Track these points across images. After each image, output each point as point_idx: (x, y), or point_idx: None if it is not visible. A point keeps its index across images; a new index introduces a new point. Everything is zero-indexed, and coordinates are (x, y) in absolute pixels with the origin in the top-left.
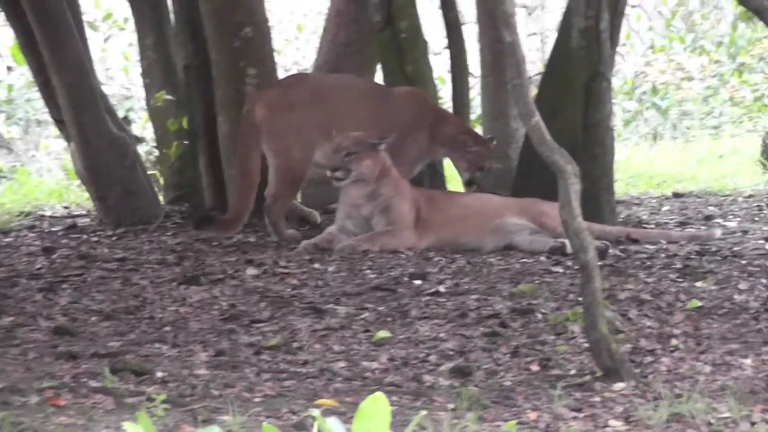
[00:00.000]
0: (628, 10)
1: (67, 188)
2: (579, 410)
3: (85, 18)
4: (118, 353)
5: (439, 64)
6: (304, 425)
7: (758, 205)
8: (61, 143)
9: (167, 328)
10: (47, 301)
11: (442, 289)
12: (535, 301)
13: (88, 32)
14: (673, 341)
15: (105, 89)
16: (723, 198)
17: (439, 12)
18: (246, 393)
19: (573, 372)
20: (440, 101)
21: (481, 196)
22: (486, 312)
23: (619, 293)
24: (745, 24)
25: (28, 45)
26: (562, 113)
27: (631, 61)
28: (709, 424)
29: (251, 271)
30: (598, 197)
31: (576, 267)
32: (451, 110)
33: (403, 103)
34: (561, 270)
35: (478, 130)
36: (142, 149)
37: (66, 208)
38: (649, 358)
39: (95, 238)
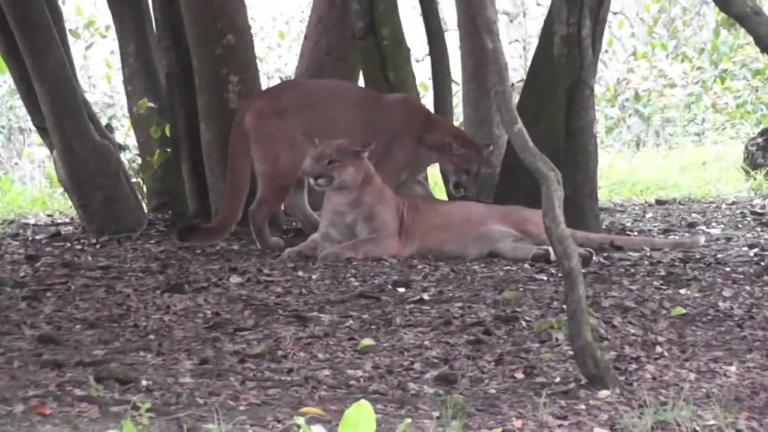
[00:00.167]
0: (610, 17)
1: (50, 196)
2: (564, 418)
3: (67, 25)
4: (102, 361)
5: (422, 71)
6: None
7: (741, 212)
8: (44, 151)
9: (151, 337)
10: (31, 309)
11: (426, 296)
12: (519, 308)
13: (70, 40)
14: (658, 348)
15: (88, 97)
16: (706, 205)
17: (421, 19)
18: (231, 401)
19: (558, 379)
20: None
21: (464, 204)
22: (470, 320)
23: (603, 300)
24: (727, 31)
25: (10, 52)
26: (545, 120)
27: (613, 68)
28: (695, 431)
29: (235, 279)
30: (581, 204)
31: (560, 274)
32: None
33: (394, 109)
34: (545, 277)
35: None
36: (125, 157)
37: (49, 216)
38: (633, 366)
39: (79, 246)
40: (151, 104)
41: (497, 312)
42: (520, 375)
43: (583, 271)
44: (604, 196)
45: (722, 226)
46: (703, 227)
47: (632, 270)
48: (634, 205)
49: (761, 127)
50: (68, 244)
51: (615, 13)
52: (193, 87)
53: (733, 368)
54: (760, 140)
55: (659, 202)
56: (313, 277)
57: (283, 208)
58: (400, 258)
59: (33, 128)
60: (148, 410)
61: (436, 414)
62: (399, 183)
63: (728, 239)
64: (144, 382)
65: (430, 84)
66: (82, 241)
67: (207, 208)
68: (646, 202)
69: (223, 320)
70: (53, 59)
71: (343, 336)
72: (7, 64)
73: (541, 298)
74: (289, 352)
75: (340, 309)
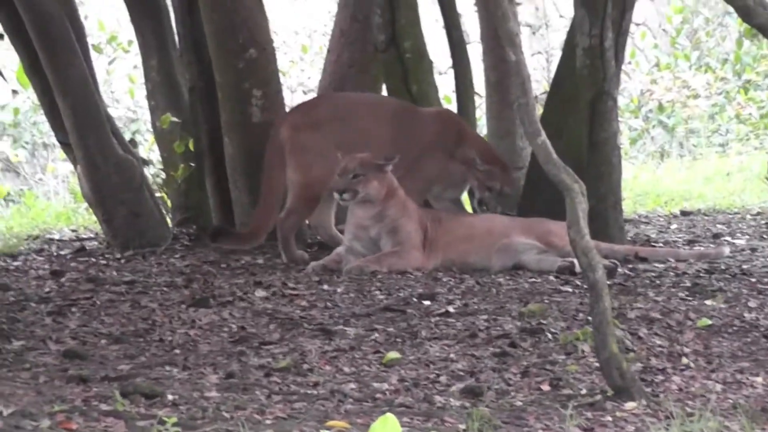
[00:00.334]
0: (632, 28)
1: (74, 211)
2: (590, 430)
3: (89, 40)
4: (128, 376)
5: (445, 84)
6: None
7: (766, 223)
8: (68, 166)
9: (177, 351)
10: (57, 324)
11: (451, 309)
12: (544, 320)
13: (93, 55)
14: (684, 360)
15: (111, 112)
16: (731, 216)
17: (444, 31)
18: (257, 415)
19: (584, 391)
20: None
21: (487, 216)
22: (496, 332)
23: (628, 312)
24: (750, 41)
25: (33, 68)
26: (568, 132)
27: (636, 80)
28: None
29: (260, 292)
30: (605, 216)
31: (585, 286)
32: None
33: (427, 122)
34: (570, 289)
35: None
36: (148, 171)
37: (74, 231)
38: (659, 377)
39: (104, 261)
40: (174, 119)
41: (523, 324)
42: (546, 387)
43: (608, 282)
44: (628, 208)
45: (747, 236)
46: (728, 238)
47: (657, 281)
48: (658, 216)
49: None
50: (93, 259)
51: (637, 25)
52: (216, 101)
53: (759, 379)
54: None
55: (684, 213)
56: (338, 290)
57: (308, 222)
58: (424, 271)
59: (57, 143)
60: (174, 425)
61: (462, 427)
62: (437, 200)
63: (753, 250)
64: (170, 397)
65: (453, 96)
66: (106, 256)
67: (231, 222)
68: (670, 213)
69: (249, 334)
70: (76, 74)
71: (369, 349)
72: (30, 80)
73: (566, 310)
74: (314, 365)
75: (365, 322)
